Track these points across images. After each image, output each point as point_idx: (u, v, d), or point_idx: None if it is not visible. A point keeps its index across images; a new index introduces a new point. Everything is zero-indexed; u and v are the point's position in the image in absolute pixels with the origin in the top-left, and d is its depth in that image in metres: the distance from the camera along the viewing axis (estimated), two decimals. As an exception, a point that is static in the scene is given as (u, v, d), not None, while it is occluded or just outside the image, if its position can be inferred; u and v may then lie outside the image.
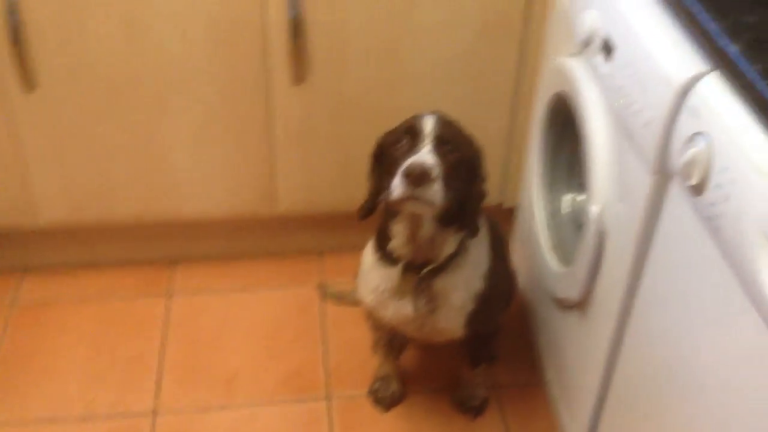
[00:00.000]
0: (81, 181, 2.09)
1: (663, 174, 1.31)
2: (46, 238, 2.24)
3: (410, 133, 1.47)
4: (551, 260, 1.82)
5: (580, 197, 1.87)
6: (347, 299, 2.16)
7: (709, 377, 1.21)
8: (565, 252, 1.82)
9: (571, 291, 1.67)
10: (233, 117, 2.04)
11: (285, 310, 2.17)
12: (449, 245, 1.55)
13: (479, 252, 1.62)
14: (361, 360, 2.03)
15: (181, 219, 2.20)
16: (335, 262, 2.33)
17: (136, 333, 2.09)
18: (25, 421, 1.88)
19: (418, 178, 1.37)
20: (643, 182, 1.36)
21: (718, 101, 1.15)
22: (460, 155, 1.48)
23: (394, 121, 1.67)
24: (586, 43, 1.59)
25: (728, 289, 1.11)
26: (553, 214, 1.90)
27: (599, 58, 1.53)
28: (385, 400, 1.91)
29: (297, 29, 1.91)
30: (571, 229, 1.86)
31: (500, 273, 1.70)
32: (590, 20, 1.58)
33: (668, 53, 1.29)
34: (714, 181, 1.11)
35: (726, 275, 1.11)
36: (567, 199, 1.90)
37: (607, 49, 1.49)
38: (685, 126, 1.21)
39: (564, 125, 1.86)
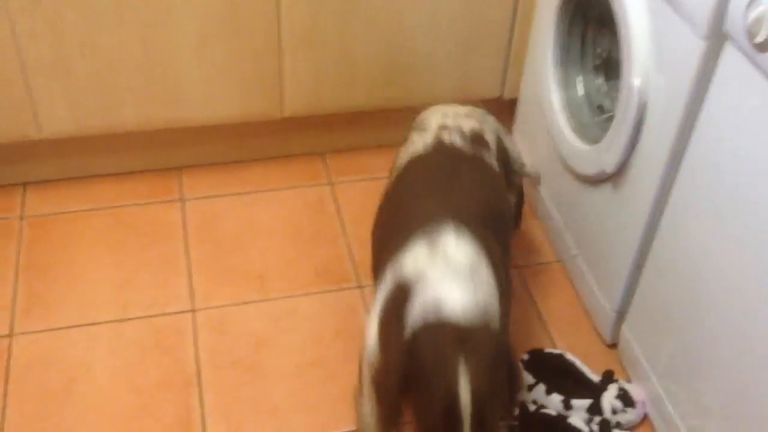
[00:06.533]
0: (85, 91, 2.05)
1: (716, 38, 1.38)
2: (50, 150, 2.19)
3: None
4: (574, 141, 1.90)
5: (597, 79, 1.94)
6: None
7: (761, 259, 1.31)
8: (586, 132, 1.89)
9: (604, 166, 1.75)
10: (240, 19, 2.02)
11: (300, 210, 2.20)
12: None
13: None
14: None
15: (188, 125, 2.18)
16: (340, 162, 2.36)
17: (156, 237, 2.09)
18: (61, 328, 1.87)
19: None
20: (692, 49, 1.43)
21: (786, -41, 1.22)
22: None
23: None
24: None
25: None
26: (569, 97, 1.97)
27: (634, -66, 1.58)
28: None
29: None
30: (588, 109, 1.94)
31: None
32: None
33: None
34: (786, 34, 1.19)
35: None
36: (581, 82, 1.97)
37: (644, -76, 1.54)
38: (747, -13, 1.28)
39: (576, 7, 1.92)
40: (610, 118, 1.82)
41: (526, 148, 2.24)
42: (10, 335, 1.85)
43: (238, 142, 2.32)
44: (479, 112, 1.77)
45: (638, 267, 1.73)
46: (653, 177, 1.60)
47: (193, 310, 1.92)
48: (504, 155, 1.74)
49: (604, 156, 1.74)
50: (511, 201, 1.78)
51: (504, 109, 2.37)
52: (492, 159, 1.66)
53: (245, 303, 1.95)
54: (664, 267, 1.63)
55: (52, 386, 1.76)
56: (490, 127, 1.73)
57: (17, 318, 1.88)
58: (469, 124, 1.69)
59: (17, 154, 2.19)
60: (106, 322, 1.89)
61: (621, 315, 1.83)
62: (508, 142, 1.80)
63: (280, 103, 2.20)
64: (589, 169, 1.83)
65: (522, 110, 2.27)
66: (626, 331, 1.81)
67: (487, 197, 1.53)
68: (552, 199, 2.10)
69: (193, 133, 2.25)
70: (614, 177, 1.75)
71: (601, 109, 1.91)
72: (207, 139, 2.29)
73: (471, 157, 1.61)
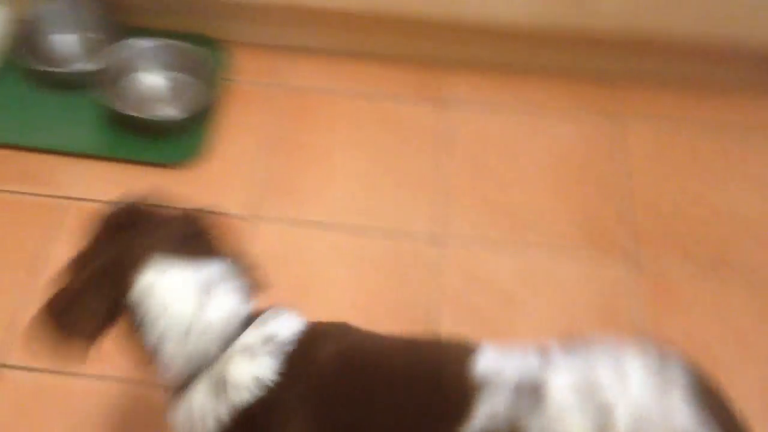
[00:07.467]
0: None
1: None
2: (323, 21, 1.99)
3: None
4: None
5: None
6: None
7: None
8: None
9: None
10: None
11: (576, 145, 1.89)
12: None
13: None
14: (668, 223, 1.76)
15: (464, 21, 1.91)
16: (635, 94, 1.99)
17: (411, 143, 1.88)
18: (298, 222, 1.73)
19: None
20: None
21: None
22: None
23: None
24: None
25: None
26: None
27: None
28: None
29: None
30: None
31: None
32: None
33: None
34: None
35: None
36: None
37: None
38: None
39: None
40: None
41: None
42: (252, 217, 1.72)
43: (517, 49, 2.01)
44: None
45: None
46: None
47: (435, 241, 1.71)
48: None
49: None
50: None
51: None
52: None
53: (496, 243, 1.71)
54: None
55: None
56: None
57: (257, 200, 1.76)
58: None
59: (291, 19, 2.00)
60: (347, 228, 1.72)
61: None
62: None
63: (584, 10, 1.86)
64: None
65: None
66: None
67: None
68: None
69: (470, 31, 1.96)
70: None
71: None
72: (485, 40, 1.99)
73: None
